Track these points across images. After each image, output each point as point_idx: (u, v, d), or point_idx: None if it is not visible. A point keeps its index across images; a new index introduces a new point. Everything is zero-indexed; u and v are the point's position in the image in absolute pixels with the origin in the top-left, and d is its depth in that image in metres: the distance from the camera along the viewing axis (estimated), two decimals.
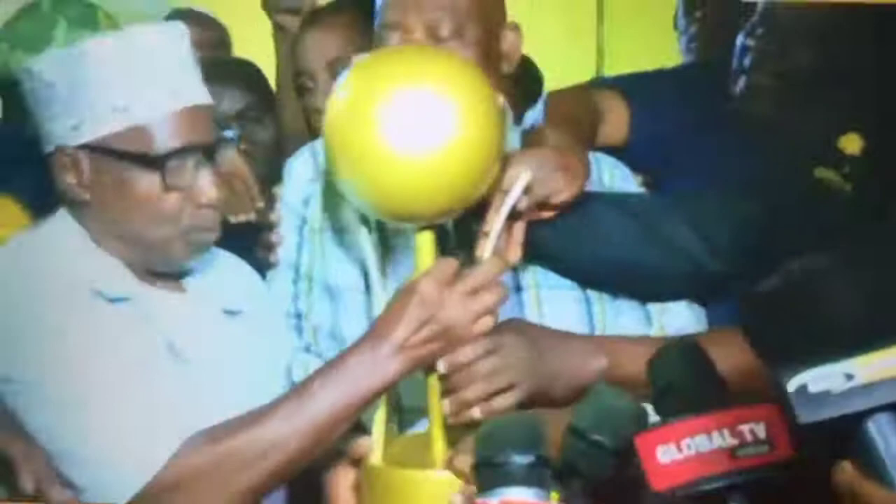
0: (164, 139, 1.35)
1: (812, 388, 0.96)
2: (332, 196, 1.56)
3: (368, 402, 1.33)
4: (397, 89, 1.25)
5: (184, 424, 1.31)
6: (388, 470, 1.34)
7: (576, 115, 1.63)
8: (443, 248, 1.41)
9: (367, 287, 1.51)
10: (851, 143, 1.50)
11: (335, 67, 1.86)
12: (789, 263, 1.06)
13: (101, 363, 1.30)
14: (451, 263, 1.35)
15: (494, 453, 1.08)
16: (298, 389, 1.35)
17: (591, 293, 1.57)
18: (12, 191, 1.91)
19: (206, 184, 1.38)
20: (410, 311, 1.30)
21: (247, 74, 2.20)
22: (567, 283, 1.56)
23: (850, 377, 0.96)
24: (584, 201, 1.51)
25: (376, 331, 1.33)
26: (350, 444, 1.36)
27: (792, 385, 0.97)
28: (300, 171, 1.64)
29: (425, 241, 1.32)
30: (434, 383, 1.36)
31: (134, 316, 1.38)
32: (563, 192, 1.44)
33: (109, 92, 1.34)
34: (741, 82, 1.76)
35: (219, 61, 2.25)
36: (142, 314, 1.39)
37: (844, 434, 0.97)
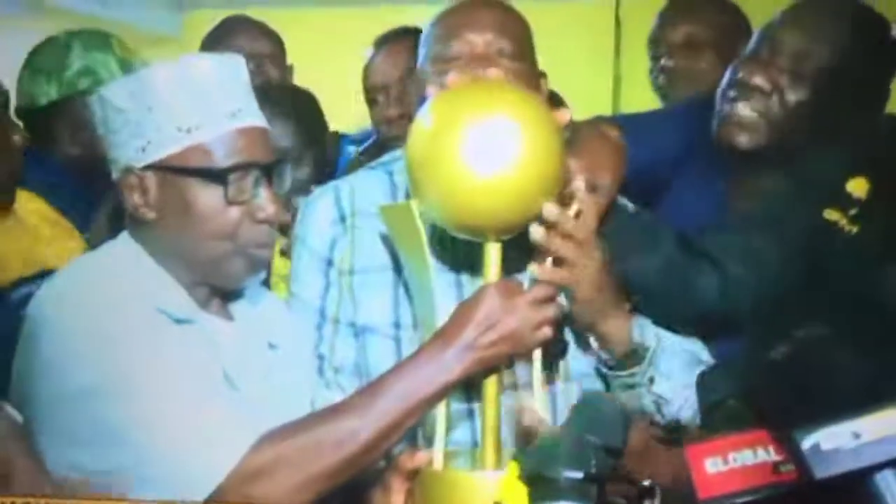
0: (225, 156, 1.42)
1: (824, 447, 1.05)
2: (364, 237, 1.60)
3: (436, 399, 1.40)
4: (474, 117, 1.38)
5: (240, 446, 1.34)
6: (449, 474, 1.42)
7: None
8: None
9: (397, 324, 1.58)
10: (859, 187, 1.50)
11: (404, 81, 2.16)
12: (795, 332, 1.15)
13: (166, 380, 1.35)
14: (517, 278, 1.46)
15: (545, 468, 1.16)
16: (372, 384, 1.42)
17: None
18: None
19: (264, 200, 1.43)
20: (479, 315, 1.39)
21: (300, 106, 2.21)
22: None
23: (857, 435, 1.05)
24: (617, 220, 1.58)
25: (447, 331, 1.41)
26: (404, 457, 1.42)
27: (806, 444, 1.06)
28: (324, 212, 1.64)
29: (493, 253, 1.44)
30: (491, 388, 1.44)
31: (196, 338, 1.42)
32: (607, 173, 1.51)
33: (174, 114, 1.40)
34: (722, 117, 1.77)
35: (276, 88, 2.32)
36: (201, 337, 1.43)
37: (856, 488, 1.06)
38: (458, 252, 1.56)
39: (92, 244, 1.65)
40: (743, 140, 1.73)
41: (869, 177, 1.48)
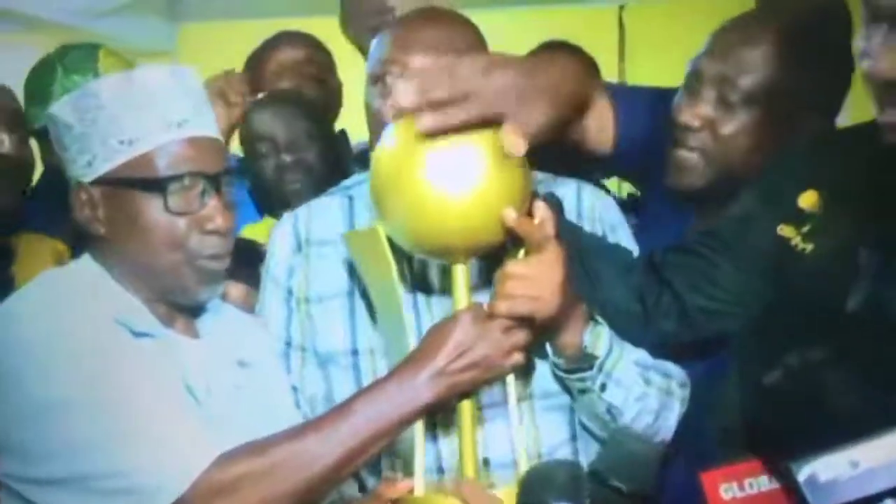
0: (166, 165, 1.40)
1: (821, 477, 1.03)
2: (319, 264, 1.60)
3: (405, 424, 1.39)
4: (436, 140, 1.35)
5: (201, 461, 1.32)
6: (434, 499, 1.40)
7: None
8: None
9: (354, 351, 1.57)
10: (810, 201, 1.41)
11: None
12: (788, 357, 1.12)
13: (125, 393, 1.33)
14: (484, 304, 1.43)
15: (537, 500, 1.17)
16: (340, 407, 1.40)
17: None
18: (61, 234, 1.97)
19: (212, 211, 1.41)
20: (452, 341, 1.38)
21: (307, 106, 2.35)
22: None
23: (855, 464, 1.01)
24: (577, 244, 1.55)
25: (417, 356, 1.39)
26: (384, 486, 1.42)
27: (802, 475, 1.04)
28: (283, 242, 1.64)
29: (461, 275, 1.43)
30: (466, 412, 1.43)
31: (156, 352, 1.41)
32: (537, 128, 1.39)
33: (117, 127, 1.40)
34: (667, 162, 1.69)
35: (283, 93, 2.40)
36: (163, 352, 1.42)
37: None
38: (414, 275, 1.56)
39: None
40: (687, 182, 1.66)
41: (820, 191, 1.40)
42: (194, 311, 1.50)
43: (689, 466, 1.38)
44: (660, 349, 1.58)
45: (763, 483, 1.12)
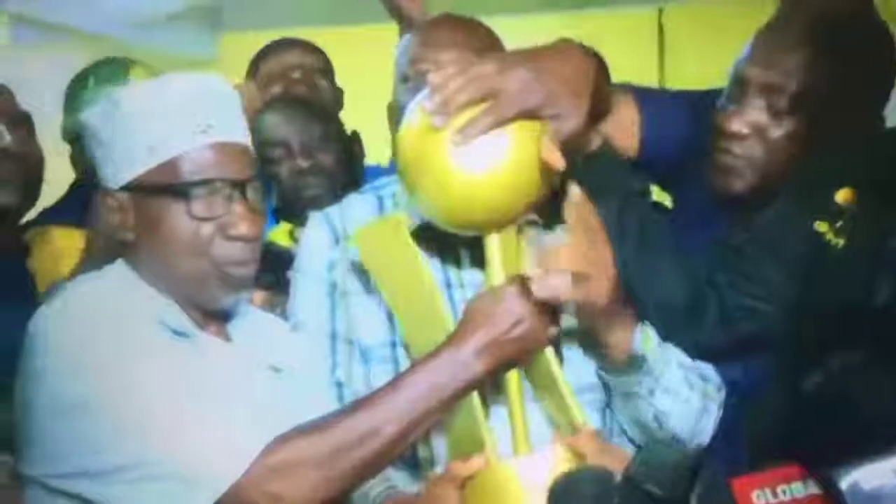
0: (191, 171, 1.40)
1: (865, 486, 1.00)
2: (355, 259, 1.59)
3: (457, 397, 1.39)
4: (461, 117, 1.36)
5: (254, 446, 1.33)
6: (503, 469, 1.39)
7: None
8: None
9: (393, 343, 1.56)
10: (845, 197, 1.42)
11: None
12: (828, 361, 1.11)
13: (167, 391, 1.34)
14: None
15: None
16: (394, 381, 1.40)
17: None
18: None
19: (236, 217, 1.41)
20: (498, 312, 1.38)
21: (319, 108, 2.35)
22: None
23: None
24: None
25: (466, 329, 1.39)
26: (457, 465, 1.39)
27: (845, 483, 1.01)
28: (319, 238, 1.64)
29: (494, 245, 1.43)
30: (514, 382, 1.43)
31: (192, 353, 1.42)
32: (570, 117, 1.39)
33: (142, 133, 1.40)
34: (711, 164, 1.67)
35: (293, 97, 2.40)
36: (200, 353, 1.43)
37: None
38: (442, 252, 1.55)
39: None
40: (734, 187, 1.65)
41: (856, 187, 1.40)
42: (225, 315, 1.51)
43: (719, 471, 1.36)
44: (695, 350, 1.55)
45: (797, 490, 1.09)
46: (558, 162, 1.35)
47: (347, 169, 2.27)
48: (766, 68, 1.60)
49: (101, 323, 1.37)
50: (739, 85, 1.64)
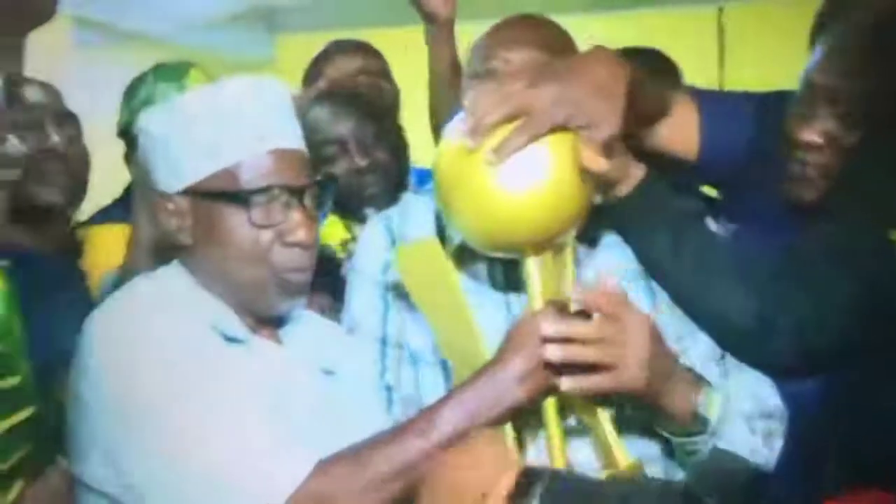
0: (251, 178, 1.40)
1: None
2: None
3: (498, 422, 1.36)
4: (497, 136, 1.34)
5: (296, 473, 1.30)
6: None
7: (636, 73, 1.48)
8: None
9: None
10: None
11: None
12: None
13: (217, 398, 1.33)
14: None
15: None
16: (429, 412, 1.37)
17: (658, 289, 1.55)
18: None
19: (294, 224, 1.41)
20: (537, 339, 1.35)
21: (374, 106, 2.33)
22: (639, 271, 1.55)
23: None
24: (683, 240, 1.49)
25: (502, 358, 1.37)
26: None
27: None
28: (376, 240, 1.63)
29: (533, 268, 1.41)
30: (551, 409, 1.40)
31: (246, 358, 1.41)
32: (602, 123, 1.37)
33: (204, 139, 1.40)
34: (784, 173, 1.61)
35: (346, 93, 2.37)
36: (252, 358, 1.42)
37: None
38: (504, 271, 1.53)
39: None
40: (807, 196, 1.59)
41: None
42: (279, 319, 1.51)
43: (793, 488, 1.32)
44: (764, 368, 1.51)
45: None
46: (600, 164, 1.34)
47: (401, 167, 2.25)
48: (836, 76, 1.55)
49: (153, 326, 1.37)
50: (810, 92, 1.58)
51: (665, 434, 1.46)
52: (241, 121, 1.40)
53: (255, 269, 1.42)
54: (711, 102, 1.72)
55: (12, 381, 1.35)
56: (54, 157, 1.92)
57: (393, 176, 2.20)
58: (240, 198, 1.39)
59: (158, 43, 3.95)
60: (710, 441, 1.43)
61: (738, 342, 1.49)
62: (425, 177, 2.06)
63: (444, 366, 1.52)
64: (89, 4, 3.94)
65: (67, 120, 1.97)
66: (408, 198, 1.71)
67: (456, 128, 1.39)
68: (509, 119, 1.34)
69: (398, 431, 1.36)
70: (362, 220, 2.08)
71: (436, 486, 1.25)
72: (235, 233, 1.40)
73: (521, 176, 1.33)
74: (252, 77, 1.48)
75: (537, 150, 1.34)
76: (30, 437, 1.35)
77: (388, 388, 1.56)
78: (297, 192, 1.42)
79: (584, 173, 1.35)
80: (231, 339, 1.41)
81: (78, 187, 1.98)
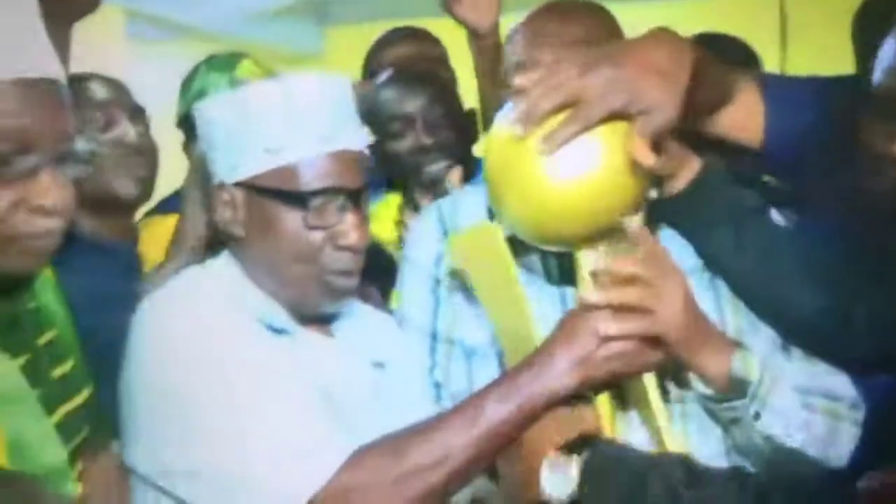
0: (310, 179, 1.39)
1: None
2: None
3: (539, 416, 1.33)
4: (548, 125, 1.30)
5: (335, 463, 1.31)
6: None
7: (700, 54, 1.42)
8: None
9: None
10: None
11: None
12: None
13: (262, 389, 1.32)
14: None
15: None
16: (473, 401, 1.33)
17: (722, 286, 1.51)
18: None
19: (348, 227, 1.40)
20: (587, 329, 1.32)
21: (441, 86, 2.29)
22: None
23: None
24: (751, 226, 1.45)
25: (554, 344, 1.33)
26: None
27: None
28: (429, 230, 1.60)
29: (584, 260, 1.37)
30: (605, 405, 1.38)
31: (294, 351, 1.40)
32: (659, 110, 1.30)
33: (265, 134, 1.39)
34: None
35: (416, 72, 2.35)
36: (300, 351, 1.41)
37: None
38: (558, 265, 1.49)
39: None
40: (885, 207, 1.49)
41: None
42: (329, 314, 1.48)
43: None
44: (838, 362, 1.45)
45: None
46: (648, 159, 1.27)
47: (466, 149, 2.21)
48: None
49: (201, 316, 1.36)
50: (888, 101, 1.50)
51: (708, 406, 1.41)
52: (306, 119, 1.39)
53: (304, 269, 1.40)
54: (777, 88, 1.65)
55: (66, 366, 1.36)
56: (131, 151, 1.94)
57: (456, 157, 2.16)
58: (297, 197, 1.38)
59: (209, 36, 3.96)
60: (753, 407, 1.37)
61: (808, 337, 1.43)
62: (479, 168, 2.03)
63: (500, 359, 1.49)
64: None
65: (138, 114, 2.00)
66: (462, 191, 1.67)
67: (505, 116, 1.34)
68: (561, 108, 1.28)
69: (440, 420, 1.33)
70: (416, 207, 2.07)
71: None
72: (288, 231, 1.39)
73: (571, 166, 1.29)
74: (318, 74, 1.47)
75: (589, 139, 1.29)
76: (87, 421, 1.36)
77: (437, 385, 1.53)
78: (353, 195, 1.41)
79: (637, 166, 1.30)
80: (278, 331, 1.40)
81: (152, 180, 2.00)
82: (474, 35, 2.18)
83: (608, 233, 1.34)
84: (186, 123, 2.19)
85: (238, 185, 1.41)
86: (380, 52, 2.54)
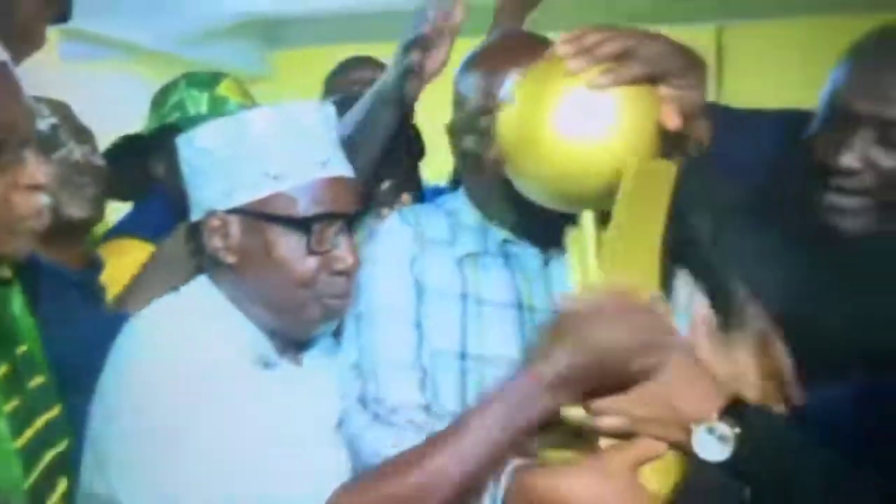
0: (309, 205, 1.40)
1: None
2: (434, 262, 1.55)
3: (527, 432, 1.30)
4: (564, 88, 1.35)
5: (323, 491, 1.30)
6: None
7: None
8: None
9: (463, 355, 1.51)
10: None
11: None
12: None
13: (251, 424, 1.31)
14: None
15: None
16: (457, 423, 1.30)
17: None
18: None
19: (343, 252, 1.42)
20: (571, 342, 1.28)
21: None
22: None
23: None
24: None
25: (537, 360, 1.28)
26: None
27: None
28: (400, 233, 1.58)
29: (589, 221, 1.39)
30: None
31: (271, 381, 1.40)
32: (695, 90, 1.37)
33: (264, 159, 1.40)
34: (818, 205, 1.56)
35: (352, 98, 2.34)
36: (277, 381, 1.41)
37: None
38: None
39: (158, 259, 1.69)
40: (850, 225, 1.55)
41: None
42: (303, 344, 1.49)
43: None
44: None
45: None
46: (675, 122, 1.33)
47: (415, 170, 2.19)
48: (877, 102, 1.51)
49: (183, 348, 1.35)
50: (844, 117, 1.55)
51: None
52: (304, 145, 1.41)
53: (300, 293, 1.41)
54: (720, 118, 1.70)
55: (39, 379, 1.35)
56: (79, 171, 1.92)
57: (406, 178, 2.18)
58: (299, 223, 1.39)
59: (154, 55, 3.93)
60: None
61: None
62: (437, 193, 2.05)
63: (463, 374, 1.48)
64: (83, 18, 3.92)
65: (85, 134, 1.98)
66: (420, 207, 1.69)
67: (535, 69, 1.36)
68: (611, 58, 1.32)
69: (425, 447, 1.31)
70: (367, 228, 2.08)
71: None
72: (286, 256, 1.40)
73: (594, 121, 1.33)
74: (313, 101, 1.49)
75: (613, 95, 1.33)
76: (66, 433, 1.35)
77: (424, 371, 1.50)
78: (348, 220, 1.43)
79: (659, 127, 1.34)
80: (262, 364, 1.40)
81: (100, 201, 1.98)
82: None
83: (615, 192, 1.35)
84: (156, 139, 2.15)
85: (231, 211, 1.40)
86: (335, 79, 2.61)
